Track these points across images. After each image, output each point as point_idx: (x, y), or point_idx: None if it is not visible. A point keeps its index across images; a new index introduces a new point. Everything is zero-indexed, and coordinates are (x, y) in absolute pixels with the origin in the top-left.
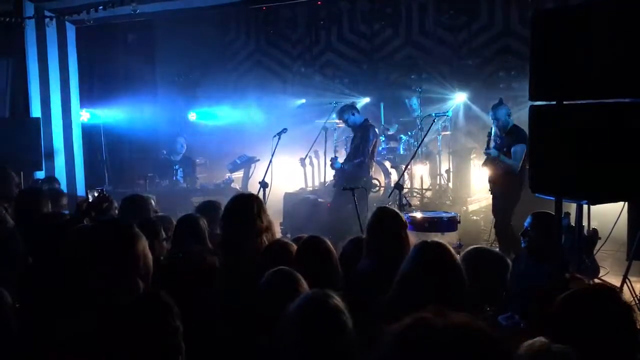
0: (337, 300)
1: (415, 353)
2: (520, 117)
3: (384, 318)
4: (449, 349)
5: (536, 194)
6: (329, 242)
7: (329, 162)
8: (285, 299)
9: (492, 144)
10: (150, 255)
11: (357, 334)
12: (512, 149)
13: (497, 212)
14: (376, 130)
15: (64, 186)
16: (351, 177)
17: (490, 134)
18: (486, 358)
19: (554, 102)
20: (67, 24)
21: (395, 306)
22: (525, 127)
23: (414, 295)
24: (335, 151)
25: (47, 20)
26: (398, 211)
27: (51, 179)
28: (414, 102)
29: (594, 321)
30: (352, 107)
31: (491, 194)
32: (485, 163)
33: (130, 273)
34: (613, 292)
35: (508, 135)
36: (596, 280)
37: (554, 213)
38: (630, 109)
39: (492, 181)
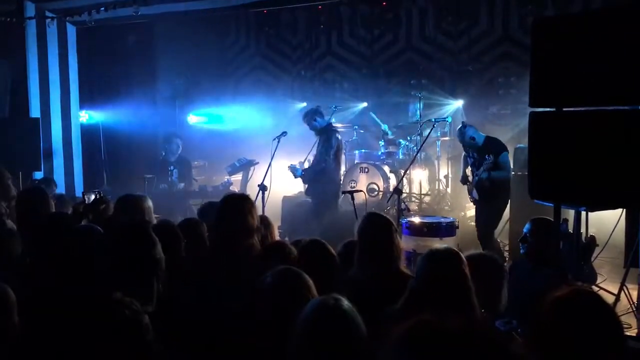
0: (349, 304)
1: (419, 355)
2: (520, 123)
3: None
4: (453, 350)
5: (535, 200)
6: (330, 247)
7: (288, 171)
8: (294, 298)
9: (470, 162)
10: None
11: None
12: (500, 159)
13: (485, 222)
14: (339, 135)
15: (62, 186)
16: (315, 183)
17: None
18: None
19: (554, 109)
20: (68, 24)
21: (404, 317)
22: (524, 134)
23: (424, 306)
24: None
25: (47, 20)
26: (388, 217)
27: (48, 180)
28: (416, 107)
29: (578, 326)
30: (317, 111)
31: (475, 204)
32: (464, 180)
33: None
34: (596, 297)
35: (486, 148)
36: (593, 287)
37: (552, 219)
38: (629, 116)
39: (481, 196)
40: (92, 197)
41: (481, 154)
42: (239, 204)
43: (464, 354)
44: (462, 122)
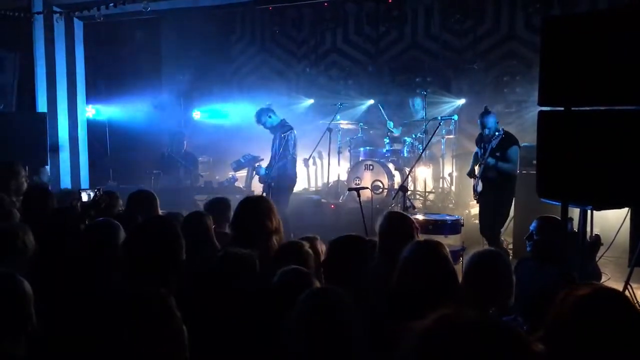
0: (343, 294)
1: (441, 350)
2: (524, 122)
3: (388, 313)
4: (476, 345)
5: (542, 199)
6: (365, 242)
7: (254, 172)
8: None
9: (479, 154)
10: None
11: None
12: (508, 152)
13: (492, 218)
14: (294, 131)
15: (68, 181)
16: (278, 179)
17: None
18: (512, 353)
19: (562, 108)
20: (75, 20)
21: (395, 301)
22: (529, 133)
23: (410, 287)
24: (339, 152)
25: (55, 16)
26: (407, 215)
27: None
28: (417, 102)
29: (601, 325)
30: (269, 109)
31: (478, 202)
32: (471, 173)
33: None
34: (618, 295)
35: (499, 139)
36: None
37: (558, 217)
38: (636, 116)
39: (485, 188)
40: (91, 194)
41: (494, 145)
42: (258, 205)
43: (489, 349)
44: (485, 107)
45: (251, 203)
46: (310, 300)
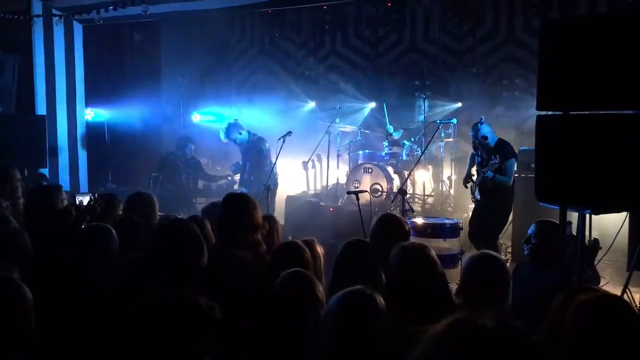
0: (378, 296)
1: (460, 352)
2: (523, 126)
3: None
4: (495, 347)
5: (541, 203)
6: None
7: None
8: (302, 300)
9: (476, 160)
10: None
11: None
12: (505, 164)
13: (488, 226)
14: (265, 140)
15: (67, 184)
16: (274, 184)
17: (477, 152)
18: (528, 355)
19: (560, 112)
20: (75, 22)
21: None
22: (527, 136)
23: (403, 293)
24: (339, 155)
25: (55, 19)
26: (401, 217)
27: (40, 175)
28: (426, 105)
29: (605, 332)
30: (237, 125)
31: (476, 204)
32: (467, 181)
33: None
34: (623, 302)
35: (496, 150)
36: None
37: (556, 221)
38: (634, 120)
39: (482, 195)
40: (86, 198)
41: (489, 154)
42: (241, 201)
43: (506, 350)
44: (481, 118)
45: (237, 199)
46: (347, 301)
